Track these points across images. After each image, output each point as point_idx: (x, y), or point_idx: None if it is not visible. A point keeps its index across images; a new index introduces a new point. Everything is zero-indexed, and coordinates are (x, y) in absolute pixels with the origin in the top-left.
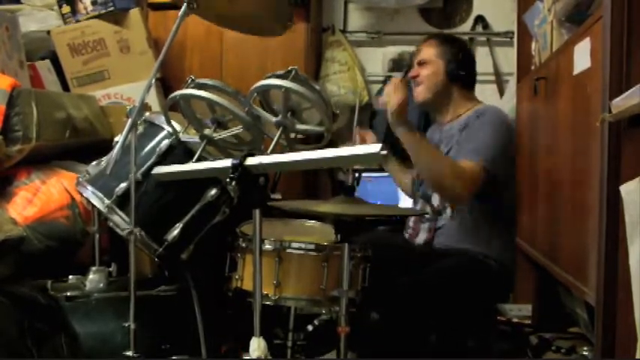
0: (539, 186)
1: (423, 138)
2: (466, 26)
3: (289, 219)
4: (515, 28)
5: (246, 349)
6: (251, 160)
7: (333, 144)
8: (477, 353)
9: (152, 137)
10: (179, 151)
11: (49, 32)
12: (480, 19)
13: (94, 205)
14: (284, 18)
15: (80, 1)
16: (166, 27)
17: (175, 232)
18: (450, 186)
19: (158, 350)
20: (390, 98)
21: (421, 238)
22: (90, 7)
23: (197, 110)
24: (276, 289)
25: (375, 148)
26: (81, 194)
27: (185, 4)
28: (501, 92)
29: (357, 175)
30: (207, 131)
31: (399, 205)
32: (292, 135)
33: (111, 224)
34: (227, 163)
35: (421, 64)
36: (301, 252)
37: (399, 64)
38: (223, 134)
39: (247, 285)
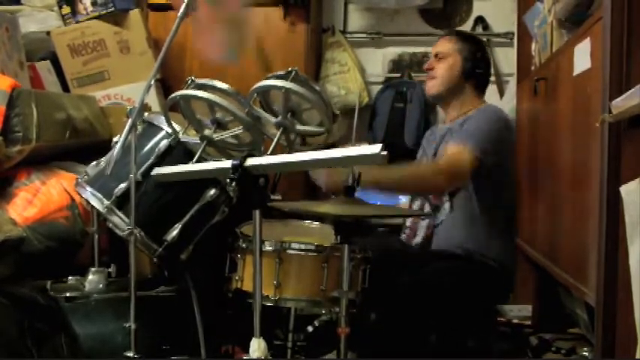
0: (539, 186)
1: (375, 170)
2: (466, 27)
3: (289, 220)
4: (515, 29)
5: (247, 350)
6: (251, 161)
7: (333, 146)
8: (476, 354)
9: (151, 138)
10: (178, 152)
11: (49, 33)
12: (480, 20)
13: (93, 206)
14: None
15: (80, 2)
16: (166, 27)
17: (175, 232)
18: (435, 185)
19: (158, 351)
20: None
21: (419, 236)
22: (90, 8)
23: (197, 111)
24: (276, 289)
25: (375, 148)
26: (80, 195)
27: (184, 4)
28: (501, 93)
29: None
30: (207, 132)
31: (399, 205)
32: (292, 136)
33: (110, 225)
34: (227, 164)
35: (438, 57)
36: (301, 253)
37: (399, 65)
38: (223, 135)
39: (247, 286)
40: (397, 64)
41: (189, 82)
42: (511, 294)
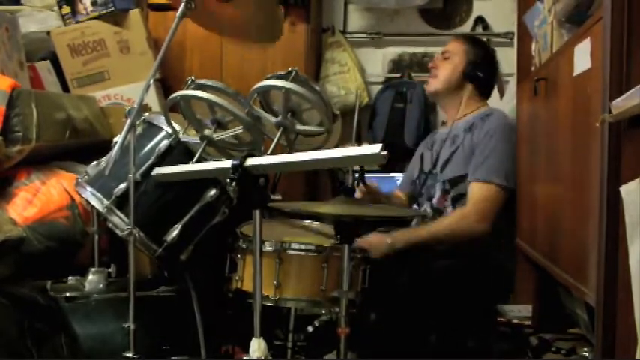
0: (539, 186)
1: (406, 233)
2: (466, 27)
3: (289, 220)
4: (515, 29)
5: (247, 350)
6: (251, 161)
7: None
8: (476, 354)
9: (151, 138)
10: (178, 152)
11: (49, 33)
12: (480, 20)
13: (93, 206)
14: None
15: (80, 2)
16: (166, 27)
17: (175, 232)
18: (469, 230)
19: (158, 351)
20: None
21: None
22: (90, 8)
23: (197, 111)
24: (276, 289)
25: (375, 148)
26: (80, 195)
27: (183, 4)
28: (501, 93)
29: (360, 174)
30: (207, 132)
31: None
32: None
33: (110, 225)
34: (227, 164)
35: (444, 56)
36: (301, 253)
37: (399, 65)
38: (223, 135)
39: (247, 286)
40: (397, 64)
41: (189, 82)
42: (511, 294)
